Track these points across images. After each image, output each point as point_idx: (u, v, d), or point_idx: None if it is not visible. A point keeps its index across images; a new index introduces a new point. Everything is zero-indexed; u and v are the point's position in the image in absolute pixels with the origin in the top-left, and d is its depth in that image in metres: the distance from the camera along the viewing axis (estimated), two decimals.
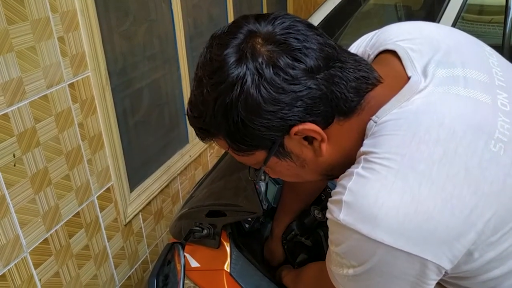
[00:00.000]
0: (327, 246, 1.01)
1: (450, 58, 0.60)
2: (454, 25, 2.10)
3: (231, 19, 2.35)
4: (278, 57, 0.53)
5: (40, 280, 1.20)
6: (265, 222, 1.13)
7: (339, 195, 0.54)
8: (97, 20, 1.30)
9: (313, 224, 1.03)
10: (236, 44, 0.54)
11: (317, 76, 0.53)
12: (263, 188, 1.12)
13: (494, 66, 0.62)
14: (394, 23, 0.70)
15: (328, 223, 0.56)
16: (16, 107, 1.07)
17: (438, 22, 2.17)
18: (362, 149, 0.55)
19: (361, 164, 0.53)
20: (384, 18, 3.00)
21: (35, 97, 1.12)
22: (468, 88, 0.56)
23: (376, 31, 0.70)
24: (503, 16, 2.13)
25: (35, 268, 1.19)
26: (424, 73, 0.58)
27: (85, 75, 1.29)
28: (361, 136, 0.57)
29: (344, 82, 0.55)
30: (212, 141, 0.62)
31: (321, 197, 1.08)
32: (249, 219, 1.07)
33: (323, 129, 0.56)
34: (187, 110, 0.62)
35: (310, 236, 1.05)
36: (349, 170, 0.56)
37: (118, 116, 1.48)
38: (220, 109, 0.55)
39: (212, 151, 2.26)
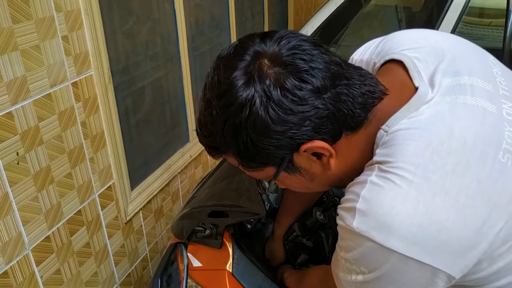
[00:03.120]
0: (328, 247, 1.03)
1: (456, 67, 0.60)
2: (455, 27, 2.10)
3: (232, 18, 2.35)
4: (285, 79, 0.53)
5: (41, 277, 1.21)
6: (267, 222, 1.14)
7: (351, 202, 0.54)
8: (101, 19, 1.31)
9: (314, 225, 1.04)
10: (243, 66, 0.55)
11: (324, 96, 0.54)
12: (267, 185, 1.13)
13: (498, 75, 0.62)
14: (399, 31, 0.70)
15: (339, 229, 0.57)
16: (20, 105, 1.07)
17: (439, 24, 2.17)
18: (375, 158, 0.56)
19: (375, 173, 0.54)
20: (385, 19, 3.01)
21: (39, 96, 1.12)
22: (475, 96, 0.57)
23: (382, 38, 0.71)
24: (502, 20, 2.14)
25: (37, 266, 1.19)
26: (431, 83, 0.58)
27: (88, 74, 1.29)
28: (369, 147, 0.58)
29: (351, 99, 0.56)
30: (222, 157, 0.64)
31: (322, 198, 1.09)
32: (251, 220, 1.08)
33: (331, 145, 0.57)
34: (196, 129, 0.63)
35: (311, 237, 1.06)
36: (361, 177, 0.56)
37: (120, 114, 1.48)
38: (229, 130, 0.56)
39: None
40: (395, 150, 0.54)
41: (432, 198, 0.50)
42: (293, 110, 0.53)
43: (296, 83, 0.53)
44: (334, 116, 0.55)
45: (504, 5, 2.12)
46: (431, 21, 2.33)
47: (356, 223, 0.52)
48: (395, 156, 0.53)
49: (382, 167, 0.54)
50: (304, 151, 0.56)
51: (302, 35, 0.58)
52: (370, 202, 0.52)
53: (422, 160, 0.52)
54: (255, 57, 0.55)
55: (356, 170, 0.59)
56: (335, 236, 1.05)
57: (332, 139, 0.57)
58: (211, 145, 0.61)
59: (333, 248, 1.03)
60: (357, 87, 0.57)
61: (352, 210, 0.53)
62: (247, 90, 0.54)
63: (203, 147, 0.63)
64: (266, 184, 1.11)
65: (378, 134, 0.57)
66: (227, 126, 0.56)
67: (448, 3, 2.21)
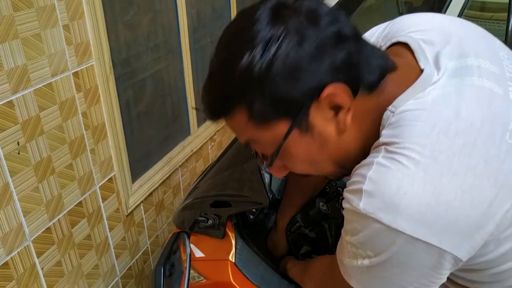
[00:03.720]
0: (331, 238, 1.03)
1: (462, 49, 0.60)
2: None
3: (234, 11, 2.34)
4: (318, 18, 0.53)
5: (42, 268, 1.20)
6: (269, 213, 1.14)
7: (358, 184, 0.54)
8: (102, 9, 1.30)
9: (317, 216, 1.03)
10: (269, 6, 0.54)
11: (350, 43, 0.54)
12: (267, 180, 1.12)
13: (504, 58, 0.62)
14: (405, 15, 0.70)
15: (345, 212, 0.56)
16: (20, 94, 1.06)
17: None
18: (382, 139, 0.55)
19: (381, 154, 0.53)
20: (386, 13, 3.00)
21: (40, 85, 1.11)
22: (482, 77, 0.56)
23: (388, 22, 0.70)
24: (504, 14, 2.14)
25: (38, 257, 1.18)
26: (437, 65, 0.58)
27: (89, 64, 1.28)
28: (377, 127, 0.57)
29: (370, 57, 0.56)
30: (225, 118, 0.59)
31: (325, 189, 1.08)
32: (254, 210, 1.07)
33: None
34: (205, 82, 0.58)
35: (314, 228, 1.06)
36: (367, 160, 0.55)
37: (121, 106, 1.47)
38: (252, 69, 0.52)
39: (213, 143, 2.26)
40: (401, 131, 0.53)
41: (439, 178, 0.50)
42: (325, 48, 0.52)
43: (329, 21, 0.53)
44: (357, 64, 0.55)
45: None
46: None
47: (363, 204, 0.52)
48: (402, 137, 0.53)
49: (389, 148, 0.53)
50: (326, 97, 0.54)
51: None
52: (377, 183, 0.52)
53: (429, 141, 0.51)
54: (281, 3, 0.55)
55: (363, 149, 0.59)
56: (338, 227, 1.04)
57: (352, 89, 0.55)
58: (220, 97, 0.57)
59: (336, 239, 1.03)
60: (373, 52, 0.57)
61: (359, 191, 0.53)
62: (275, 27, 0.52)
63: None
64: (266, 179, 1.11)
65: (384, 115, 0.56)
66: (250, 65, 0.52)
67: None
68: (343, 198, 1.09)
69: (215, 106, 0.58)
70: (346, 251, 0.59)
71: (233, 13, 2.35)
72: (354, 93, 0.56)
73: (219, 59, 0.56)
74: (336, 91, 0.54)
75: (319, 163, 0.63)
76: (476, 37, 0.65)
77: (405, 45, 0.62)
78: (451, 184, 0.50)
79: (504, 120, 0.53)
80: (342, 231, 0.59)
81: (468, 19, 0.71)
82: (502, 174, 0.51)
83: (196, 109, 1.95)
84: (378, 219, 0.51)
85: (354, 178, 0.55)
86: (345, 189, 0.57)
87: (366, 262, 0.55)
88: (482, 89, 0.55)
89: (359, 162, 0.57)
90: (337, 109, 0.56)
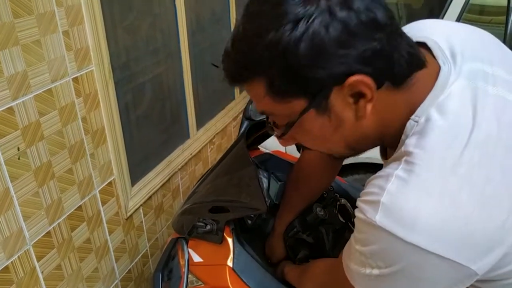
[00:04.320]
0: (329, 243, 1.03)
1: (478, 54, 0.60)
2: None
3: (233, 15, 2.35)
4: (352, 1, 0.51)
5: (42, 272, 1.21)
6: (267, 218, 1.15)
7: (375, 195, 0.53)
8: (102, 14, 1.31)
9: (315, 221, 1.04)
10: None
11: (383, 32, 0.52)
12: (265, 185, 1.13)
13: None
14: (417, 21, 0.69)
15: (358, 222, 0.56)
16: (21, 100, 1.07)
17: None
18: (404, 148, 0.55)
19: (401, 166, 0.53)
20: None
21: (40, 91, 1.12)
22: (497, 86, 0.56)
23: (404, 27, 0.69)
24: (503, 17, 2.14)
25: (38, 261, 1.19)
26: (454, 61, 0.58)
27: (89, 69, 1.29)
28: (399, 120, 0.57)
29: (402, 50, 0.54)
30: (244, 85, 0.58)
31: (323, 195, 1.09)
32: (252, 215, 1.08)
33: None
34: (226, 47, 0.57)
35: (312, 233, 1.07)
36: (386, 170, 0.55)
37: (120, 110, 1.48)
38: (278, 44, 0.51)
39: (212, 146, 2.27)
40: (423, 142, 0.53)
41: (458, 192, 0.50)
42: (355, 34, 0.50)
43: (363, 8, 0.51)
44: (387, 57, 0.53)
45: (505, 3, 2.12)
46: (432, 18, 2.32)
47: (379, 217, 0.51)
48: (423, 148, 0.52)
49: (409, 159, 0.53)
50: (349, 85, 0.53)
51: None
52: (396, 196, 0.51)
53: (450, 153, 0.51)
54: None
55: (381, 134, 0.58)
56: (335, 232, 1.05)
57: (378, 82, 0.54)
58: (242, 65, 0.55)
59: (333, 244, 1.04)
60: (406, 45, 0.55)
61: (376, 203, 0.52)
62: (307, 5, 0.50)
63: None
64: (265, 183, 1.12)
65: (408, 124, 0.56)
66: (276, 39, 0.51)
67: (449, 0, 2.21)
68: (342, 204, 1.09)
69: (235, 74, 0.58)
70: (354, 258, 0.58)
71: (233, 16, 2.36)
72: (380, 85, 0.55)
73: (246, 29, 0.55)
74: (361, 81, 0.52)
75: (331, 142, 0.62)
76: (489, 44, 0.65)
77: (423, 45, 0.62)
78: (470, 198, 0.49)
79: None
80: (352, 238, 0.59)
81: (467, 23, 0.70)
82: None
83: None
84: (393, 233, 0.50)
85: (371, 188, 0.55)
86: (359, 199, 0.56)
87: (375, 271, 0.55)
88: (497, 98, 0.55)
89: (371, 147, 0.57)
90: (358, 96, 0.55)
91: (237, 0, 2.36)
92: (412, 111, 0.56)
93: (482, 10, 2.70)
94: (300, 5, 0.51)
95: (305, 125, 0.59)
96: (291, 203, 1.06)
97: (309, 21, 0.50)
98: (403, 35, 0.56)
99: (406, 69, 0.55)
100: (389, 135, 0.59)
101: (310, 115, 0.57)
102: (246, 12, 0.56)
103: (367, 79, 0.52)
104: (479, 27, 0.67)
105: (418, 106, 0.56)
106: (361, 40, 0.51)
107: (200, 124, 2.12)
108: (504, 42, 2.04)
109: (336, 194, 1.09)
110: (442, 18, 2.16)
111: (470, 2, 2.18)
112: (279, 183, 1.14)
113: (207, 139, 2.17)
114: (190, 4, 1.89)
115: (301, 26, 0.50)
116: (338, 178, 1.22)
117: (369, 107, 0.55)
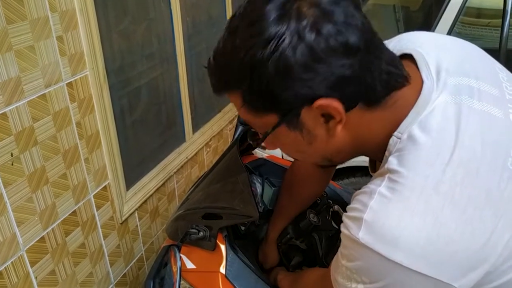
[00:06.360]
0: (322, 249, 1.03)
1: (463, 68, 0.60)
2: (452, 27, 2.10)
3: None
4: (323, 25, 0.51)
5: (36, 278, 1.21)
6: (261, 224, 1.14)
7: (358, 212, 0.53)
8: (96, 19, 1.30)
9: (308, 227, 1.04)
10: (280, 2, 0.52)
11: (355, 57, 0.52)
12: (259, 190, 1.13)
13: (504, 80, 0.62)
14: (408, 32, 0.70)
15: (343, 237, 0.56)
16: (14, 106, 1.07)
17: (437, 23, 2.17)
18: (387, 166, 0.55)
19: (384, 183, 0.53)
20: (383, 18, 3.01)
21: (33, 96, 1.12)
22: (482, 101, 0.56)
23: (395, 38, 0.70)
24: (500, 20, 2.14)
25: (32, 266, 1.19)
26: (438, 76, 0.58)
27: (83, 74, 1.29)
28: (383, 137, 0.57)
29: (377, 73, 0.54)
30: (224, 95, 0.60)
31: (316, 201, 1.09)
32: (245, 222, 1.08)
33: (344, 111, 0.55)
34: (209, 59, 0.59)
35: (305, 239, 1.07)
36: (370, 186, 0.55)
37: (115, 115, 1.48)
38: (248, 63, 0.52)
39: (208, 149, 2.27)
40: (404, 160, 0.53)
41: (441, 210, 0.50)
42: (322, 59, 0.50)
43: (333, 32, 0.50)
44: (358, 81, 0.53)
45: (501, 6, 2.12)
46: (429, 20, 2.33)
47: (362, 234, 0.51)
48: (406, 166, 0.52)
49: (392, 177, 0.53)
50: (317, 107, 0.53)
51: None
52: (378, 213, 0.51)
53: (432, 171, 0.51)
54: None
55: (356, 149, 0.59)
56: (328, 239, 1.05)
57: (347, 106, 0.54)
58: (222, 78, 0.58)
59: (326, 250, 1.04)
60: (386, 63, 0.55)
61: (359, 220, 0.52)
62: (279, 26, 0.51)
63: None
64: (258, 188, 1.12)
65: (391, 141, 0.56)
66: (247, 58, 0.52)
67: (446, 2, 2.21)
68: (335, 211, 1.09)
69: (216, 84, 0.60)
70: (341, 272, 0.59)
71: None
72: (350, 107, 0.55)
73: (225, 45, 0.56)
74: (328, 104, 0.53)
75: (306, 154, 0.63)
76: (476, 58, 0.65)
77: (410, 57, 0.62)
78: (452, 216, 0.49)
79: (506, 145, 0.53)
80: (339, 252, 0.59)
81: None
82: (502, 204, 0.51)
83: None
84: (376, 250, 0.50)
85: (355, 204, 0.55)
86: (345, 214, 0.56)
87: (360, 286, 0.55)
88: (482, 114, 0.55)
89: (350, 159, 0.57)
90: (328, 117, 0.55)
91: (233, 3, 2.36)
92: (396, 128, 0.56)
93: (480, 13, 2.70)
94: (273, 24, 0.51)
95: (279, 138, 0.61)
96: (284, 209, 1.06)
97: (279, 42, 0.50)
98: (382, 55, 0.55)
99: (382, 90, 0.55)
100: (370, 150, 0.59)
101: (283, 129, 0.58)
102: (227, 26, 0.57)
103: (335, 103, 0.53)
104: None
105: (401, 122, 0.56)
106: (327, 66, 0.51)
107: (196, 127, 2.12)
108: (500, 45, 2.05)
109: (329, 200, 1.09)
110: (439, 20, 2.17)
111: (466, 5, 2.18)
112: (273, 188, 1.14)
113: (203, 142, 2.17)
114: (186, 8, 1.89)
115: (271, 47, 0.51)
116: (332, 182, 1.22)
117: (339, 127, 0.56)
